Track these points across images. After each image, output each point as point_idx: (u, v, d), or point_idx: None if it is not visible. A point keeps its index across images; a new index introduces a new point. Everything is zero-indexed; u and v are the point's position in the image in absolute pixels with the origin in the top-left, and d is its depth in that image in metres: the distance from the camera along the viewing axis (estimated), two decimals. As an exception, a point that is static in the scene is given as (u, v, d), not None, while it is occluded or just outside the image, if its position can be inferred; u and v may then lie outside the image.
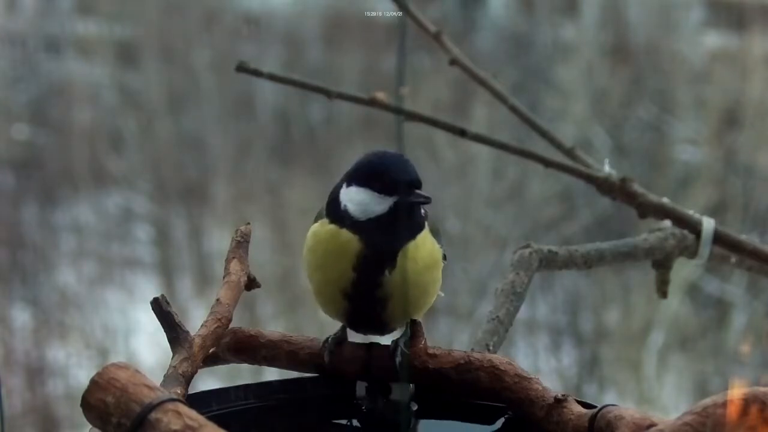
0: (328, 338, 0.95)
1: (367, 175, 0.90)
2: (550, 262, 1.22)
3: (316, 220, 0.94)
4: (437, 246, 0.94)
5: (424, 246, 0.91)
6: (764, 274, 1.42)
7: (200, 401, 0.91)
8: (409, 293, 0.91)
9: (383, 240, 0.89)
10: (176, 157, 5.53)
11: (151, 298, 0.89)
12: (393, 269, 0.90)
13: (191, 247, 5.41)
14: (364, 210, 0.90)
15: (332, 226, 0.91)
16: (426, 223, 0.93)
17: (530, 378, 0.89)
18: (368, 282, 0.90)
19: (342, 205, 0.91)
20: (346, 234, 0.90)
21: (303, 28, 5.83)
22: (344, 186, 0.92)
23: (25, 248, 5.30)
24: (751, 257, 1.31)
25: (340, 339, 0.95)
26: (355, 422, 0.95)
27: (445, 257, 0.96)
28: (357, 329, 0.96)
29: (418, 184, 0.89)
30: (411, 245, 0.90)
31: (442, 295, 1.02)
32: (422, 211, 0.93)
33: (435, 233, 0.94)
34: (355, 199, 0.90)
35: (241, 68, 1.21)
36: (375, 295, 0.91)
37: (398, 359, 0.91)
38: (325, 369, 0.94)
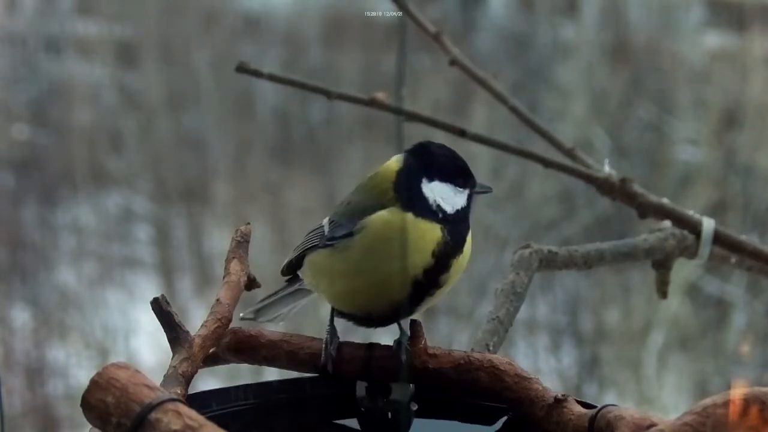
0: (326, 344, 0.94)
1: (447, 170, 0.95)
2: (550, 263, 1.22)
3: (359, 214, 0.95)
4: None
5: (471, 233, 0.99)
6: (764, 274, 1.41)
7: (200, 401, 0.91)
8: (458, 277, 0.97)
9: (461, 229, 0.95)
10: (176, 157, 5.52)
11: (151, 298, 0.89)
12: (460, 254, 0.95)
13: (191, 247, 5.41)
14: (452, 204, 0.95)
15: (408, 215, 0.94)
16: None
17: (530, 378, 0.89)
18: (442, 267, 0.94)
19: (431, 200, 0.95)
20: (425, 223, 0.94)
21: (303, 28, 5.83)
22: (424, 181, 0.95)
23: (25, 248, 5.30)
24: (751, 257, 1.31)
25: (337, 342, 0.95)
26: (355, 422, 0.95)
27: None
28: (374, 323, 0.96)
29: (473, 176, 0.99)
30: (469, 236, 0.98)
31: None
32: None
33: None
34: (442, 194, 0.95)
35: (241, 69, 1.21)
36: (439, 280, 0.94)
37: (403, 357, 0.91)
38: (333, 372, 0.94)
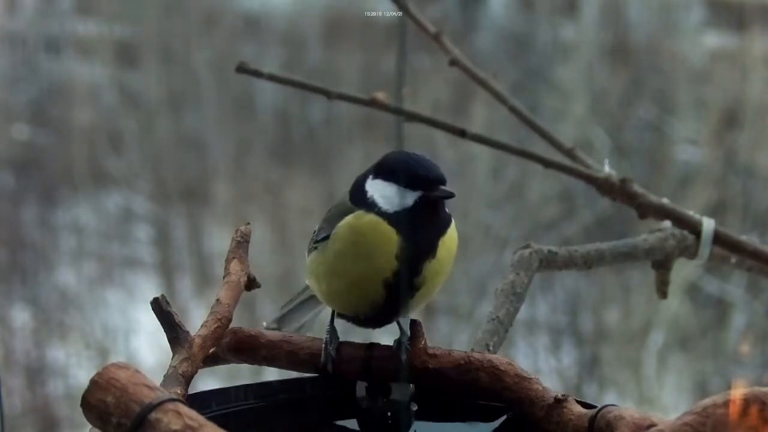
0: (326, 345, 0.95)
1: (392, 170, 0.94)
2: (550, 263, 1.22)
3: (338, 217, 0.96)
4: (455, 236, 0.98)
5: (452, 238, 0.96)
6: (764, 274, 1.41)
7: (200, 401, 0.91)
8: (438, 280, 0.96)
9: (419, 232, 0.93)
10: (176, 157, 5.53)
11: (151, 298, 0.89)
12: (432, 259, 0.93)
13: (191, 247, 5.41)
14: (390, 202, 0.93)
15: (372, 217, 0.94)
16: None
17: (530, 378, 0.89)
18: (412, 271, 0.94)
19: (368, 195, 0.94)
20: (386, 225, 0.93)
21: (303, 28, 5.83)
22: (370, 178, 0.95)
23: (25, 248, 5.31)
24: (751, 258, 1.31)
25: (336, 343, 0.95)
26: (355, 422, 0.95)
27: None
28: (368, 324, 0.97)
29: (442, 181, 0.94)
30: (445, 239, 0.95)
31: None
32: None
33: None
34: (381, 191, 0.94)
35: (242, 69, 1.21)
36: (413, 282, 0.94)
37: (403, 357, 0.91)
38: (334, 372, 0.95)
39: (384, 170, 0.94)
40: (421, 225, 0.93)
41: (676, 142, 5.13)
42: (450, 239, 0.95)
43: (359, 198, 0.94)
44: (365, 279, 0.94)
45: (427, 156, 0.96)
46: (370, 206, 0.94)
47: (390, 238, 0.92)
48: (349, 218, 0.95)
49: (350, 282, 0.95)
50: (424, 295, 0.96)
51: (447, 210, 0.96)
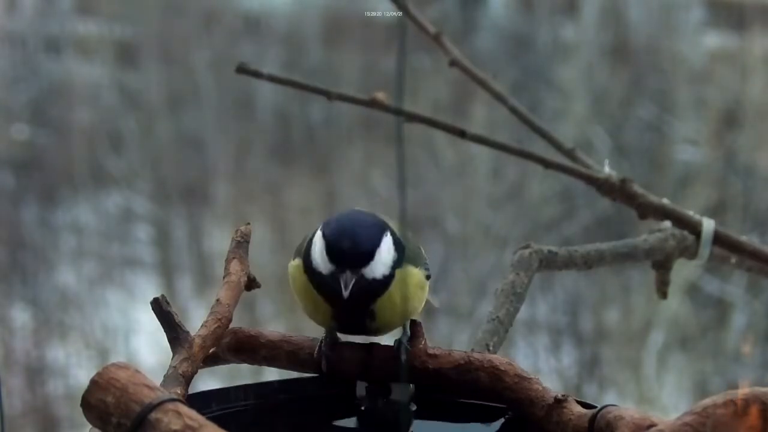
0: (320, 343, 0.95)
1: (324, 231, 0.92)
2: (550, 263, 1.22)
3: (296, 253, 0.96)
4: (417, 274, 0.95)
5: (397, 291, 0.93)
6: (764, 274, 1.41)
7: (200, 401, 0.91)
8: (391, 325, 0.94)
9: (347, 306, 0.91)
10: (176, 157, 5.53)
11: (151, 298, 0.89)
12: (374, 321, 0.93)
13: (191, 247, 5.42)
14: (318, 262, 0.92)
15: (305, 280, 0.93)
16: (397, 266, 0.93)
17: (530, 378, 0.89)
18: (358, 313, 0.93)
19: (312, 245, 0.93)
20: (315, 294, 0.93)
21: (303, 28, 5.83)
22: (321, 227, 0.93)
23: (25, 248, 5.31)
24: (751, 258, 1.31)
25: (332, 341, 0.95)
26: (355, 422, 0.95)
27: (428, 276, 0.97)
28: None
29: (355, 263, 0.90)
30: (383, 300, 0.92)
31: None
32: (391, 259, 0.92)
33: (414, 259, 0.95)
34: (317, 247, 0.92)
35: (242, 69, 1.21)
36: (362, 331, 0.95)
37: (403, 356, 0.91)
38: (329, 371, 0.95)
39: (325, 227, 0.92)
40: (348, 302, 0.91)
41: (676, 142, 5.14)
42: (391, 296, 0.92)
43: (309, 244, 0.93)
44: (315, 319, 0.95)
45: (366, 218, 0.93)
46: (308, 260, 0.93)
47: (321, 304, 0.92)
48: (292, 265, 0.95)
49: (304, 310, 0.96)
50: (388, 329, 0.95)
51: (392, 260, 0.92)
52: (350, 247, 0.91)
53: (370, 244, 0.91)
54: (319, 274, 0.91)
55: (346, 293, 0.89)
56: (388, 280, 0.93)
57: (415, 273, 0.95)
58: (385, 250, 0.92)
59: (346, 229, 0.92)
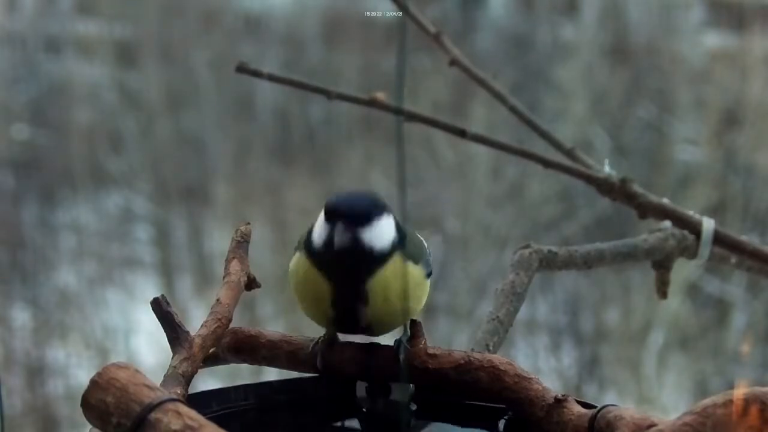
0: (317, 342, 0.94)
1: (326, 201, 0.91)
2: (550, 263, 1.22)
3: (296, 248, 0.95)
4: (416, 269, 0.94)
5: (394, 279, 0.91)
6: (764, 274, 1.41)
7: (200, 401, 0.91)
8: (387, 322, 0.93)
9: (339, 272, 0.90)
10: (176, 157, 5.53)
11: (151, 298, 0.89)
12: (366, 306, 0.91)
13: (191, 247, 5.42)
14: (319, 236, 0.91)
15: (305, 262, 0.92)
16: (396, 248, 0.91)
17: (530, 378, 0.89)
18: (349, 315, 0.92)
19: (313, 231, 0.92)
20: (314, 272, 0.91)
21: (303, 28, 5.84)
22: (321, 217, 0.92)
23: (25, 248, 5.31)
24: (751, 258, 1.31)
25: (330, 341, 0.95)
26: (355, 422, 0.95)
27: (429, 274, 0.96)
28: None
29: (349, 216, 0.89)
30: (378, 281, 0.91)
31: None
32: (390, 236, 0.91)
33: (414, 254, 0.93)
34: (317, 224, 0.91)
35: (241, 69, 1.21)
36: (358, 323, 0.93)
37: (402, 356, 0.91)
38: (325, 370, 0.94)
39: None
40: (341, 263, 0.90)
41: (676, 142, 5.14)
42: (388, 283, 0.91)
43: (309, 233, 0.93)
44: (314, 316, 0.94)
45: (368, 192, 0.93)
46: (309, 245, 0.91)
47: (322, 289, 0.91)
48: (292, 261, 0.95)
49: (302, 308, 0.95)
50: (384, 330, 0.94)
51: (392, 239, 0.91)
52: (346, 205, 0.90)
53: (368, 207, 0.90)
54: (318, 248, 0.90)
55: (338, 243, 0.88)
56: (384, 255, 0.91)
57: (414, 270, 0.94)
58: (385, 225, 0.90)
59: (345, 194, 0.92)
